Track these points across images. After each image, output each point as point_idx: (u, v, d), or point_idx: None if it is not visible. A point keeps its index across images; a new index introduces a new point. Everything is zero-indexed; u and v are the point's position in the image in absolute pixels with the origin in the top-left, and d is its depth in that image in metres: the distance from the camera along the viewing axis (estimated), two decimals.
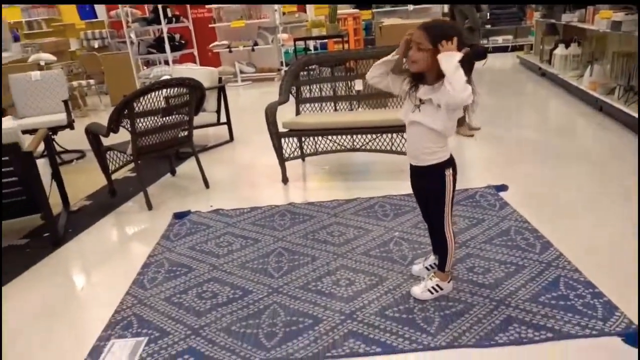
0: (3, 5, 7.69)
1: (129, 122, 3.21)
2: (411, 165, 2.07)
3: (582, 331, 1.84)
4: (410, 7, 8.32)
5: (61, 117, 4.71)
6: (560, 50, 6.64)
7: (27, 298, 2.44)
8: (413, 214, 2.97)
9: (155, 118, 3.35)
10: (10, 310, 2.35)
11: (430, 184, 2.02)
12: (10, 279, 2.63)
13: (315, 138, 3.87)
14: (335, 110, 4.07)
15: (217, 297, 2.28)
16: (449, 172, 1.98)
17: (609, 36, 5.51)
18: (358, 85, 3.88)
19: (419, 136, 1.96)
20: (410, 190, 3.30)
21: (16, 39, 10.41)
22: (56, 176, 3.45)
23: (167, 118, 3.44)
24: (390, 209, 3.07)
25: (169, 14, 7.06)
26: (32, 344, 2.07)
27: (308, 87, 4.00)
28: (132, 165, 3.78)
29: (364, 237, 2.74)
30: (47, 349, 2.03)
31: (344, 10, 8.40)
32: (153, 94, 3.24)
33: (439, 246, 2.15)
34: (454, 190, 2.03)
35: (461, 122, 4.68)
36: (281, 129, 3.58)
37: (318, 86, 4.04)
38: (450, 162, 2.00)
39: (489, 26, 10.81)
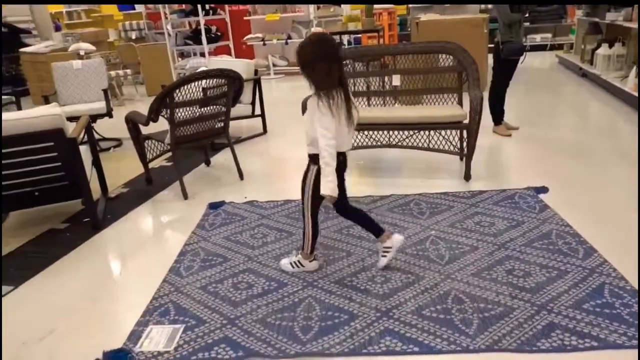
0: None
1: (168, 111, 3.26)
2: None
3: (629, 342, 1.78)
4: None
5: (101, 106, 4.81)
6: (603, 50, 6.41)
7: (67, 281, 2.51)
8: (450, 212, 2.92)
9: (194, 108, 3.38)
10: (51, 292, 2.41)
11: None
12: (52, 262, 2.70)
13: None
14: (368, 105, 4.03)
15: (252, 288, 2.29)
16: (313, 168, 2.19)
17: None
18: (395, 80, 3.83)
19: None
20: (445, 189, 3.27)
21: (58, 28, 10.71)
22: (96, 163, 3.53)
23: (205, 109, 3.48)
24: (426, 207, 3.03)
25: (207, 7, 7.13)
26: (72, 326, 2.12)
27: None
28: (168, 154, 3.84)
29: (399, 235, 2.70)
30: (87, 331, 2.08)
31: (379, 5, 8.31)
32: (193, 84, 3.27)
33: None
34: (314, 185, 2.20)
35: (498, 121, 4.58)
36: None
37: (352, 81, 4.01)
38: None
39: (527, 24, 10.52)
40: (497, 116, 4.55)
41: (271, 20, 8.86)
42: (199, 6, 6.88)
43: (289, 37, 8.91)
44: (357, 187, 3.44)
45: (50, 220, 3.24)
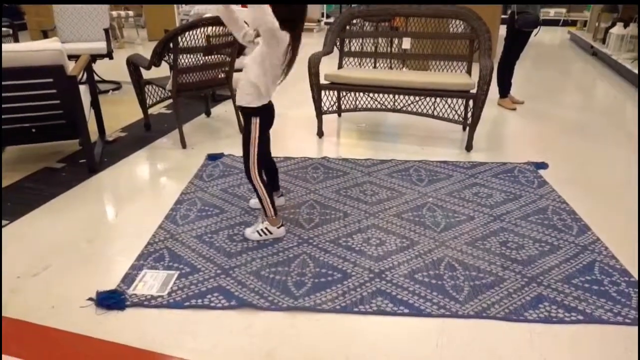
0: None
1: (172, 56, 3.17)
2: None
3: (614, 318, 1.82)
4: None
5: (101, 46, 4.69)
6: (617, 30, 6.29)
7: (62, 220, 2.50)
8: (448, 181, 2.92)
9: (198, 55, 3.30)
10: (46, 229, 2.41)
11: (244, 125, 2.26)
12: (47, 200, 2.69)
13: (356, 94, 3.78)
14: (375, 67, 3.95)
15: (247, 241, 2.30)
16: (255, 120, 2.20)
17: None
18: (406, 43, 3.74)
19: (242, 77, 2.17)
20: (446, 158, 3.27)
21: None
22: (94, 104, 3.47)
23: (209, 57, 3.39)
24: (426, 174, 3.02)
25: None
26: (67, 265, 2.13)
27: (349, 41, 3.87)
28: (167, 101, 3.78)
29: (397, 199, 2.71)
30: (81, 271, 2.10)
31: None
32: (198, 30, 3.17)
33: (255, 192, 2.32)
34: (259, 139, 2.24)
35: (505, 94, 4.52)
36: (322, 81, 3.50)
37: (360, 41, 3.91)
38: (260, 112, 2.19)
39: None
40: (504, 88, 4.50)
41: None
42: None
43: None
44: (357, 150, 3.43)
45: (46, 159, 3.21)
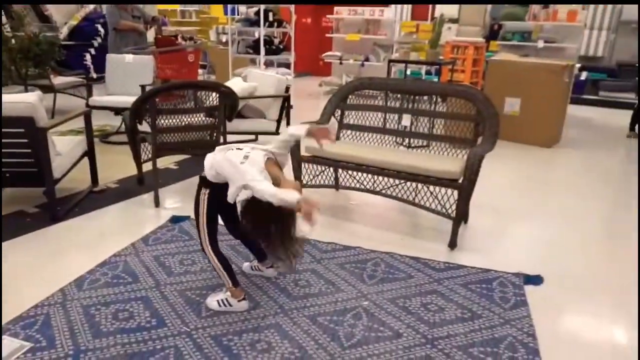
0: None
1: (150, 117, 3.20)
2: None
3: None
4: (540, 43, 7.29)
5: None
6: None
7: None
8: (403, 283, 2.47)
9: (180, 117, 3.30)
10: None
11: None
12: None
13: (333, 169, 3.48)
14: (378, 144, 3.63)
15: (129, 321, 2.10)
16: (205, 191, 2.09)
17: None
18: (405, 120, 3.43)
19: None
20: (421, 253, 2.82)
21: (164, 24, 11.55)
22: (90, 154, 3.60)
23: (194, 118, 3.38)
24: (382, 271, 2.59)
25: (270, 18, 7.17)
26: None
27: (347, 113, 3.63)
28: (178, 157, 3.79)
29: (326, 297, 2.33)
30: None
31: (463, 37, 7.72)
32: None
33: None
34: (207, 210, 2.11)
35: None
36: (303, 153, 3.30)
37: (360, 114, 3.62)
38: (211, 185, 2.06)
39: None
40: None
41: (352, 40, 8.74)
42: (262, 17, 6.93)
43: (367, 59, 8.69)
44: (327, 231, 3.05)
45: (24, 202, 3.28)
